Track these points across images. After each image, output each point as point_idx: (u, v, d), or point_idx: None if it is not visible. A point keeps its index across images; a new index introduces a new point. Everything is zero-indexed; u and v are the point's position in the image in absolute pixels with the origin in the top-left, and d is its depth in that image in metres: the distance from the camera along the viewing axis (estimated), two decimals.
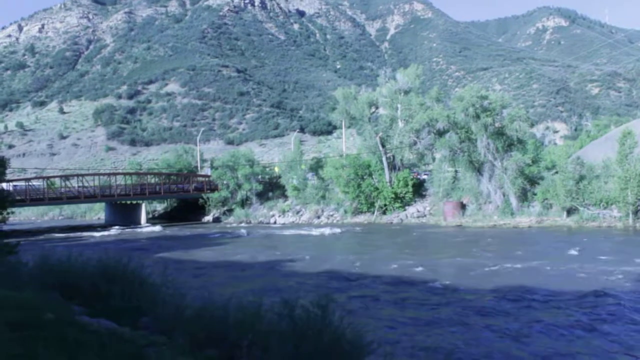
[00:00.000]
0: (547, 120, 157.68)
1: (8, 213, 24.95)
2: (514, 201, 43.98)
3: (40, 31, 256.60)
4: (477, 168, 46.54)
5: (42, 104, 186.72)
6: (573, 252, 26.46)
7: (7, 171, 25.56)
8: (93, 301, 9.08)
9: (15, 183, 50.91)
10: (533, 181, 44.77)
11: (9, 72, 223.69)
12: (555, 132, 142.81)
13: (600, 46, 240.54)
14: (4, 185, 30.36)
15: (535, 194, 43.82)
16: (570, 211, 40.78)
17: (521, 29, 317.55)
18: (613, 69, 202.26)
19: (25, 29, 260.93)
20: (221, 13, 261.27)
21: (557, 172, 43.39)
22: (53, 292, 9.09)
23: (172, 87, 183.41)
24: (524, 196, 44.37)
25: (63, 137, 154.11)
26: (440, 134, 46.89)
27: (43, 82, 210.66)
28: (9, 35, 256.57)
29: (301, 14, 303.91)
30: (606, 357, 11.23)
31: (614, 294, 16.64)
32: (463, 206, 47.00)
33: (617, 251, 26.88)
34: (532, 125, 58.47)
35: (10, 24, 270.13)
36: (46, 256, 10.94)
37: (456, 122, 45.83)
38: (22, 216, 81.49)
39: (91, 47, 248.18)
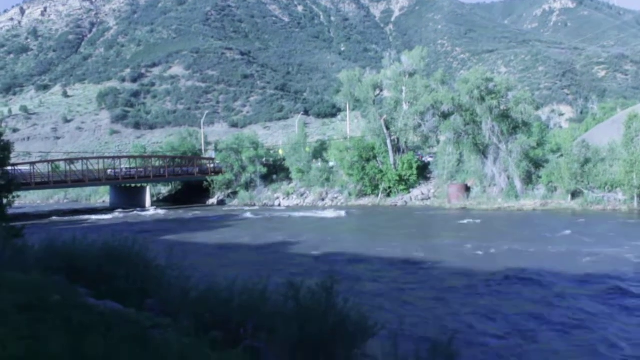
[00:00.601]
0: (552, 103, 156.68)
1: (13, 197, 25.09)
2: (518, 184, 43.90)
3: (42, 14, 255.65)
4: (482, 151, 46.42)
5: (45, 87, 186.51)
6: (568, 235, 26.69)
7: (12, 155, 25.62)
8: (98, 283, 9.13)
9: (20, 167, 51.06)
10: (538, 164, 44.62)
11: (12, 55, 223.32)
12: (561, 115, 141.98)
13: (608, 28, 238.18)
14: (9, 169, 30.46)
15: (540, 177, 43.71)
16: (575, 194, 40.69)
17: (527, 10, 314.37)
18: (620, 51, 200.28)
19: (27, 12, 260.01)
20: None
21: (562, 155, 43.21)
22: (59, 274, 9.13)
23: (176, 70, 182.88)
24: (529, 179, 44.27)
25: (67, 121, 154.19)
26: (445, 116, 46.74)
27: (46, 66, 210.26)
28: (12, 19, 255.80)
29: None
30: (561, 333, 11.68)
31: (590, 275, 17.00)
32: (467, 189, 46.96)
33: (612, 234, 26.95)
34: (537, 108, 58.21)
35: (13, 7, 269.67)
36: (52, 239, 10.99)
37: (461, 105, 45.65)
38: (28, 200, 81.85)
39: (94, 30, 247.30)
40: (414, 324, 11.85)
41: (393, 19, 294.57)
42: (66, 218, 49.25)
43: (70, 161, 56.70)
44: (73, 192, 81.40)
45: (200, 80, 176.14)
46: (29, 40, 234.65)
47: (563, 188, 41.27)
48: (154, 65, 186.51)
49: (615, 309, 13.25)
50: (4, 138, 24.66)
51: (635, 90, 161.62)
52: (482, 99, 43.90)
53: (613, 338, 11.06)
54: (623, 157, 38.27)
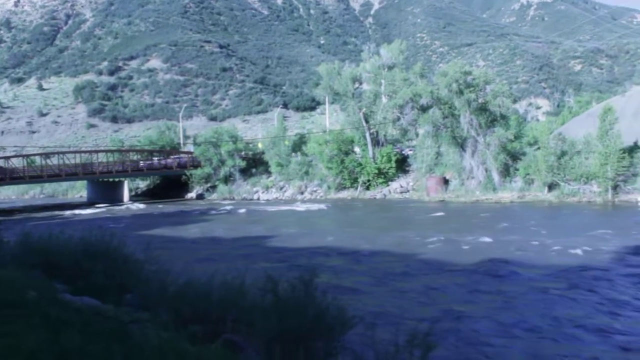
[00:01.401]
0: (530, 97, 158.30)
1: None
2: (496, 177, 44.36)
3: (15, 5, 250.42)
4: (460, 144, 46.79)
5: (20, 80, 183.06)
6: (529, 226, 27.59)
7: None
8: (76, 279, 9.07)
9: None
10: (515, 157, 45.14)
11: None
12: (538, 108, 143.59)
13: (584, 22, 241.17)
14: None
15: (517, 170, 44.24)
16: (551, 186, 41.28)
17: (505, 4, 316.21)
18: (596, 45, 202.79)
19: None
20: None
21: (539, 148, 43.78)
22: (35, 270, 9.05)
23: (154, 63, 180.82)
24: (506, 172, 44.77)
25: (43, 115, 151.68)
26: (424, 109, 46.99)
27: (20, 58, 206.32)
28: None
29: None
30: (482, 310, 12.89)
31: (529, 265, 17.90)
32: (446, 181, 47.33)
33: (568, 225, 27.68)
34: (515, 101, 58.88)
35: None
36: (28, 234, 10.86)
37: (440, 98, 45.92)
38: (2, 195, 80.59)
39: (70, 22, 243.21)
40: (391, 315, 12.05)
41: (372, 12, 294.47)
42: (42, 213, 48.63)
43: (46, 155, 55.90)
44: (49, 187, 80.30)
45: (179, 74, 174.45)
46: (1, 32, 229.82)
47: (540, 180, 41.84)
48: (132, 58, 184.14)
49: (546, 294, 14.17)
50: None
51: (610, 84, 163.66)
52: (461, 92, 44.21)
53: (527, 320, 12.02)
54: (598, 150, 38.91)
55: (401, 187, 50.86)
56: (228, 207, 46.39)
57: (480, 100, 45.09)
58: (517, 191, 42.64)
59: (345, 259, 20.33)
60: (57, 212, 48.65)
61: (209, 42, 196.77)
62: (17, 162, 54.08)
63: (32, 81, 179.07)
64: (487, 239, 23.15)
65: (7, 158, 52.58)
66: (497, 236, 24.07)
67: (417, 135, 54.23)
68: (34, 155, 57.70)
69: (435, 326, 11.03)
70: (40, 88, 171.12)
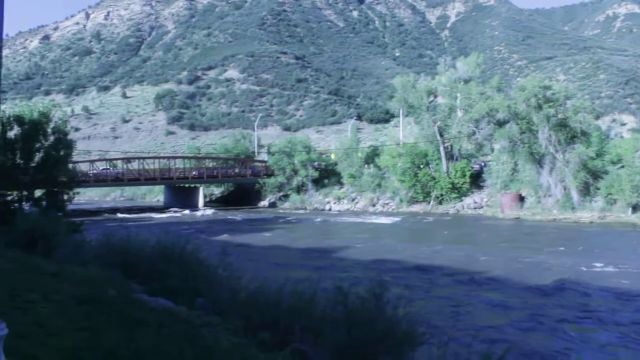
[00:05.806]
0: (614, 113, 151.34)
1: (74, 193, 26.15)
2: (575, 195, 42.59)
3: (105, 18, 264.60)
4: (538, 160, 45.32)
5: (106, 88, 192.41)
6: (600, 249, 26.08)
7: (73, 153, 26.68)
8: (151, 280, 9.34)
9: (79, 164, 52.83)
10: (596, 175, 43.19)
11: (76, 58, 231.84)
12: (623, 124, 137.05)
13: None
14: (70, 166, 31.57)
15: (598, 189, 42.30)
16: (636, 207, 39.18)
17: (589, 16, 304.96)
18: None
19: (92, 16, 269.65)
20: (280, 0, 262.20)
21: (623, 166, 41.75)
22: (114, 270, 9.39)
23: (231, 73, 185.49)
24: (586, 190, 42.90)
25: (125, 121, 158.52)
26: (500, 124, 45.88)
27: (107, 68, 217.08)
28: (77, 23, 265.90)
29: (360, 0, 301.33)
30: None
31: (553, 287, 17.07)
32: (521, 198, 45.90)
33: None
34: (597, 117, 56.46)
35: (79, 12, 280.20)
36: (108, 235, 11.30)
37: (517, 113, 44.75)
38: (86, 197, 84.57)
39: (153, 33, 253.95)
40: (464, 332, 11.71)
41: (449, 24, 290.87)
42: (122, 215, 50.64)
43: (127, 160, 58.31)
44: (129, 190, 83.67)
45: (255, 84, 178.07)
46: (92, 43, 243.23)
47: (623, 201, 39.82)
48: (210, 68, 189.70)
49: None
50: (68, 137, 25.71)
51: None
52: (539, 107, 42.88)
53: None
54: None
55: (475, 202, 49.75)
56: (300, 217, 46.78)
57: (560, 116, 43.55)
58: (597, 211, 40.74)
59: (416, 274, 19.96)
60: (135, 215, 50.57)
61: (285, 53, 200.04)
62: (101, 166, 56.72)
63: (117, 89, 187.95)
64: (565, 260, 22.11)
65: (92, 161, 55.22)
66: (575, 258, 22.95)
67: (492, 150, 52.98)
68: (116, 159, 60.25)
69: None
70: (124, 96, 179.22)
